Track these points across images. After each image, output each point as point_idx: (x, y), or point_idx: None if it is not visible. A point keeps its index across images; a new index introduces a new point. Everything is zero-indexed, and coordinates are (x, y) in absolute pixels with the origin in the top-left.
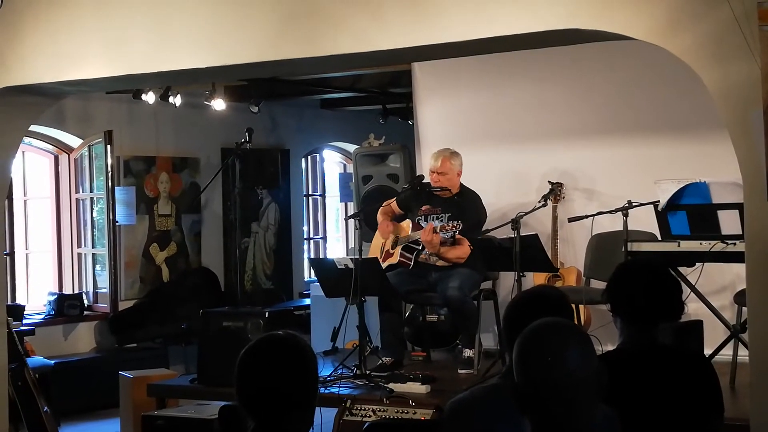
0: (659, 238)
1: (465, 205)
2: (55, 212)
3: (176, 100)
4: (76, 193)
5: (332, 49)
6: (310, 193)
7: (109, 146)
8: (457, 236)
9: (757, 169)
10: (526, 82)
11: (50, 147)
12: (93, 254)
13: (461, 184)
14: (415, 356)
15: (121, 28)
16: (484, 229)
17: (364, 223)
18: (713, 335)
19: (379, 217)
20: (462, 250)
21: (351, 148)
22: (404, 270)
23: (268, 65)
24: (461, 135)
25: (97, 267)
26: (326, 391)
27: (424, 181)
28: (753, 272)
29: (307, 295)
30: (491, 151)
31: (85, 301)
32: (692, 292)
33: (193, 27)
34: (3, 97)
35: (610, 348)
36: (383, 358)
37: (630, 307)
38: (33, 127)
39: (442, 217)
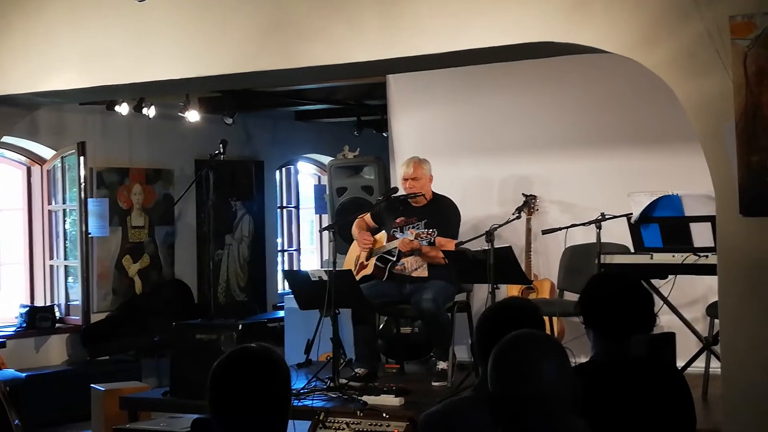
0: (632, 251)
1: (440, 210)
2: (27, 224)
3: (150, 112)
4: (48, 204)
5: (308, 61)
6: (285, 205)
7: (82, 158)
8: (436, 239)
9: (729, 182)
10: (500, 95)
11: (23, 158)
12: (65, 266)
13: (433, 191)
14: (389, 368)
15: (96, 39)
16: (458, 241)
17: (339, 235)
18: (686, 347)
19: (355, 230)
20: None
21: (325, 159)
22: (378, 281)
23: (244, 77)
24: (436, 147)
25: (70, 279)
26: (300, 404)
27: (397, 193)
28: (725, 284)
29: (281, 308)
30: (466, 163)
31: (57, 314)
32: (665, 305)
33: (168, 39)
34: None
35: (584, 360)
36: (357, 371)
37: (603, 319)
38: (5, 138)
39: (418, 224)
